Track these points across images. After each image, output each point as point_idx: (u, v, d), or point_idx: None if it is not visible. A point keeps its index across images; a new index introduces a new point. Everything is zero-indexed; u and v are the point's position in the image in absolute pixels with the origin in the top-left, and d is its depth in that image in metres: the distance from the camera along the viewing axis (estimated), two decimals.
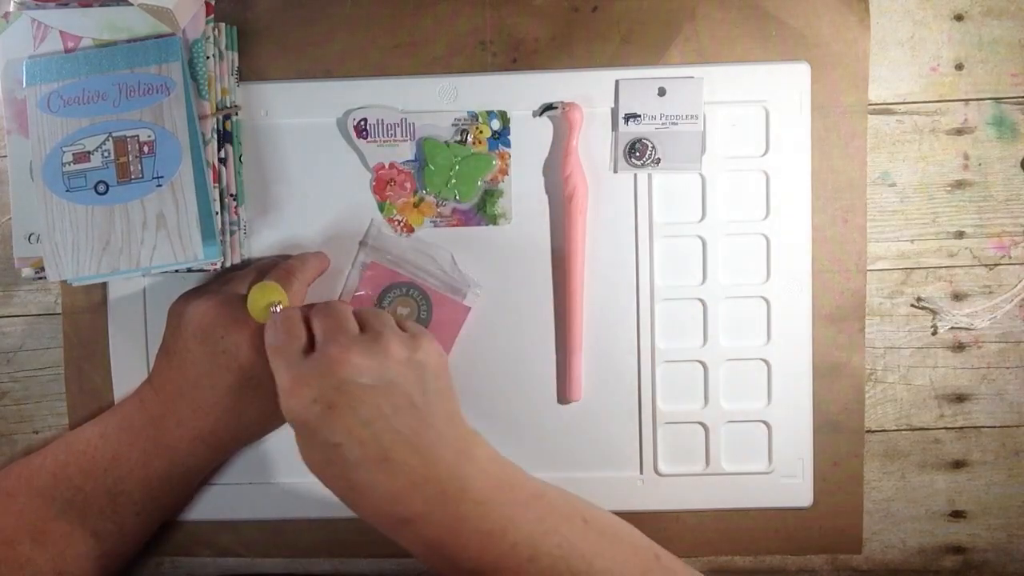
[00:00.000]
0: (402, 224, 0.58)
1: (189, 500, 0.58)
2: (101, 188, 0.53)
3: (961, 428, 0.59)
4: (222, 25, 0.55)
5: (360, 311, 0.49)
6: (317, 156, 0.58)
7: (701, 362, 0.58)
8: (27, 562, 0.50)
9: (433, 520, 0.45)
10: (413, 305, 0.58)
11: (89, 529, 0.52)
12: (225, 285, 0.55)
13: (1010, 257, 0.58)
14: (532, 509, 0.47)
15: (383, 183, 0.57)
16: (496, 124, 0.57)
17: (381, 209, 0.58)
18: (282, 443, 0.58)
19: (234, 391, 0.51)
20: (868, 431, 0.59)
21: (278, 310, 0.49)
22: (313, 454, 0.46)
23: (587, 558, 0.46)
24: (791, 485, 0.58)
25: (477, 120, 0.57)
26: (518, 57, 0.58)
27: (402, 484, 0.45)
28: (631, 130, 0.57)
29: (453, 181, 0.57)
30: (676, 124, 0.57)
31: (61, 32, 0.54)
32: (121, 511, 0.53)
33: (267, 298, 0.49)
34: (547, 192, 0.58)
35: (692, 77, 0.57)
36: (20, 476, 0.53)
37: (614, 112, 0.57)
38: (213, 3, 0.55)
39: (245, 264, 0.57)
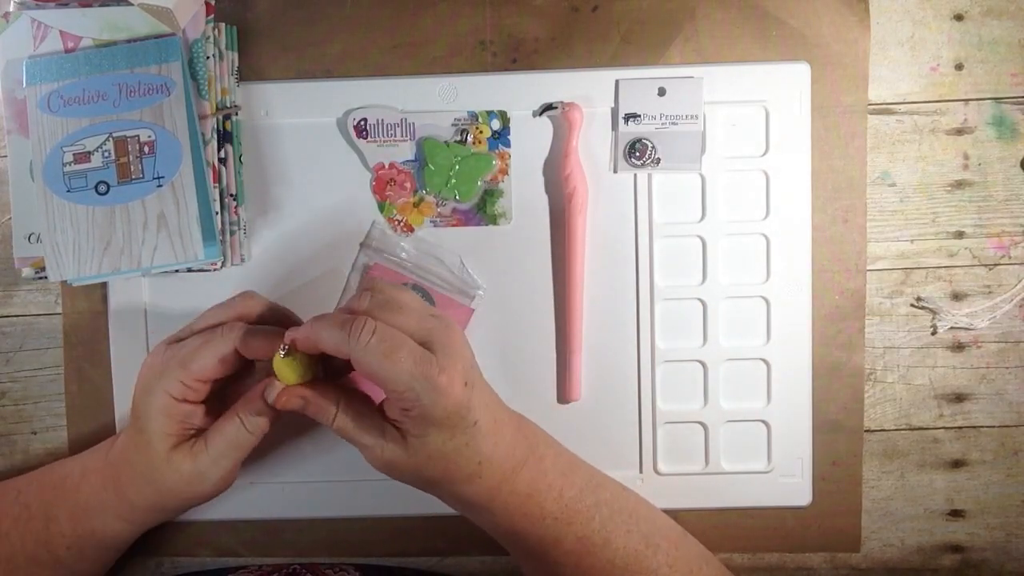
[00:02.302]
0: (402, 224, 0.58)
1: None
2: (102, 188, 0.53)
3: (960, 428, 0.59)
4: (222, 25, 0.55)
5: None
6: (317, 156, 0.58)
7: (701, 362, 0.58)
8: None
9: (542, 465, 0.50)
10: None
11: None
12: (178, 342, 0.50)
13: (1010, 257, 0.58)
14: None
15: (383, 183, 0.57)
16: (496, 124, 0.57)
17: (381, 209, 0.58)
18: (282, 443, 0.58)
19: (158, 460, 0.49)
20: (867, 431, 0.59)
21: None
22: (450, 441, 0.46)
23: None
24: (790, 484, 0.58)
25: (477, 120, 0.57)
26: (518, 57, 0.57)
27: (511, 438, 0.49)
28: (631, 130, 0.57)
29: (453, 181, 0.57)
30: (676, 124, 0.57)
31: (61, 32, 0.54)
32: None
33: (296, 371, 0.47)
34: (547, 192, 0.58)
35: (692, 77, 0.57)
36: None
37: (614, 112, 0.57)
38: (213, 3, 0.55)
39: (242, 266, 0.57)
